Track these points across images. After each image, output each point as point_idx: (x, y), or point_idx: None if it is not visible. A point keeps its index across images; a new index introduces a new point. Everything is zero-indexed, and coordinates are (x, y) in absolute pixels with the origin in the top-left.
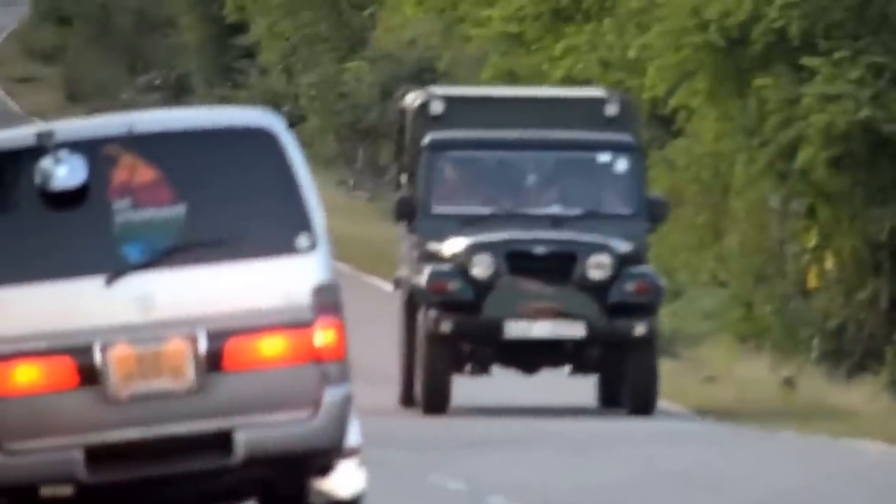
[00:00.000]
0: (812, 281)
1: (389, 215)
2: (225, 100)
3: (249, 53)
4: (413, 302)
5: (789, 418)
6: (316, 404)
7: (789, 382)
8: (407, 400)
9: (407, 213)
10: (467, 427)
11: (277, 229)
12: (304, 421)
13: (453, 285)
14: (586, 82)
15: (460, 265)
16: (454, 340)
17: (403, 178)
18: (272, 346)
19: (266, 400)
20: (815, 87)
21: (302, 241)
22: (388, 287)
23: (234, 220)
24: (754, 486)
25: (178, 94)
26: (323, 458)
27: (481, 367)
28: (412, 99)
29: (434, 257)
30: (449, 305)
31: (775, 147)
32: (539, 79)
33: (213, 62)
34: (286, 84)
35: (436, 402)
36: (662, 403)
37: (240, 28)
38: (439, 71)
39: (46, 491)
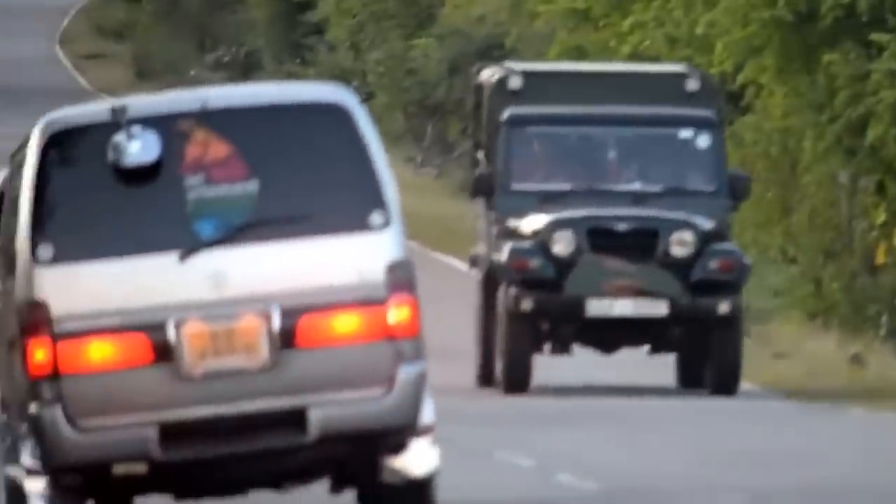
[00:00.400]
0: (880, 257)
1: (457, 191)
2: (293, 76)
3: (318, 30)
4: (491, 279)
5: (858, 395)
6: (390, 382)
7: (858, 359)
8: (485, 379)
9: (485, 189)
10: (540, 405)
11: (351, 206)
12: (377, 399)
13: (534, 262)
14: (654, 59)
15: (541, 242)
16: (535, 319)
17: (480, 155)
18: (346, 323)
19: (340, 377)
20: (883, 63)
21: (375, 217)
22: (456, 264)
23: (307, 196)
24: (823, 464)
25: (247, 70)
26: (397, 436)
27: (562, 346)
28: (489, 74)
29: (514, 234)
30: (530, 283)
31: (844, 123)
32: (606, 55)
33: (281, 39)
34: (354, 61)
35: (517, 381)
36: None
37: (308, 5)
38: (507, 47)
39: (119, 469)
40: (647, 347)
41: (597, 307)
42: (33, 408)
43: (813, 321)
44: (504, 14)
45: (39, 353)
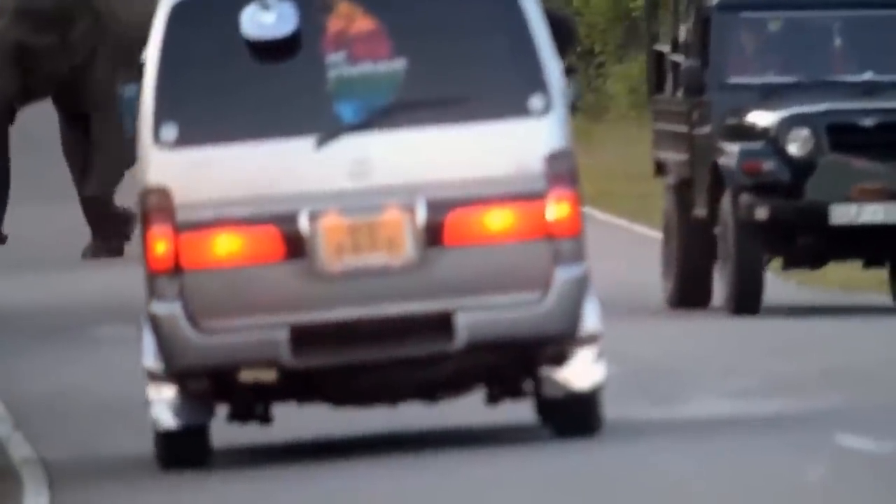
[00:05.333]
0: None
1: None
2: None
3: None
4: (686, 186)
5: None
6: (546, 285)
7: None
8: (679, 299)
9: (694, 84)
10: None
11: (508, 88)
12: (532, 303)
13: (768, 165)
14: None
15: (774, 142)
16: (771, 228)
17: (664, 48)
18: (499, 219)
19: (491, 279)
20: None
21: (535, 101)
22: None
23: (459, 76)
24: (844, 351)
25: None
26: (554, 344)
27: (798, 260)
28: None
29: (737, 134)
30: (764, 188)
31: None
32: None
33: None
34: None
35: (748, 299)
36: None
37: None
38: None
39: (247, 375)
40: (861, 262)
41: (842, 214)
42: (153, 305)
43: None
44: None
45: (160, 245)
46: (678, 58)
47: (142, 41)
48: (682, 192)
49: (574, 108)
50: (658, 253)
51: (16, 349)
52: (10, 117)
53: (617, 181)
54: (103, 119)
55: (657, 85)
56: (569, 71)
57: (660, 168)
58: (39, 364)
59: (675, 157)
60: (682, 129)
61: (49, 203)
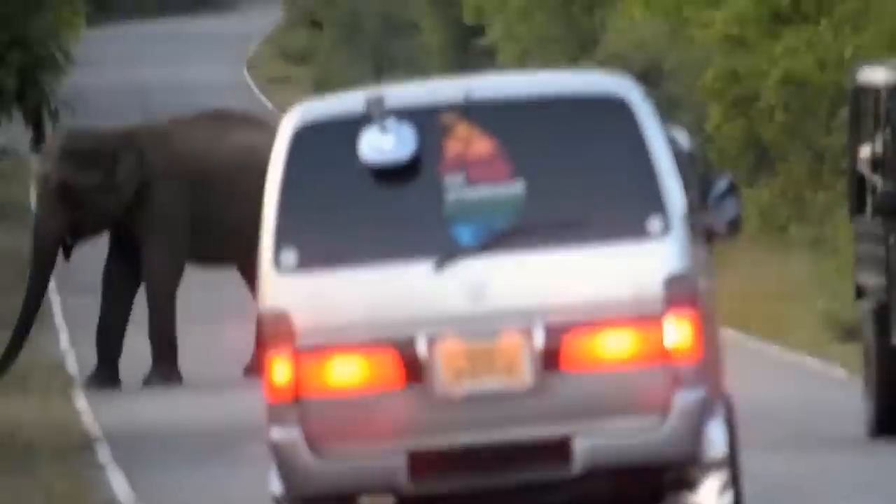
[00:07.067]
0: None
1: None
2: None
3: (488, 53)
4: (884, 311)
5: None
6: (665, 410)
7: None
8: (880, 428)
9: (891, 208)
10: None
11: (626, 210)
12: (651, 428)
13: None
14: (803, 82)
15: None
16: None
17: (863, 168)
18: (617, 343)
19: (609, 403)
20: None
21: (654, 224)
22: None
23: (578, 199)
24: None
25: None
26: (675, 470)
27: None
28: (882, 76)
29: None
30: None
31: None
32: (759, 79)
33: (453, 63)
34: None
35: None
36: None
37: (479, 31)
38: (665, 71)
39: (364, 501)
40: None
41: None
42: (273, 431)
43: None
44: (663, 40)
45: (279, 370)
46: (877, 180)
47: (211, 169)
48: (881, 317)
49: (735, 227)
50: (798, 376)
51: (173, 466)
52: (66, 253)
53: (750, 302)
54: (157, 243)
55: (859, 206)
56: (731, 188)
57: (860, 291)
58: (196, 481)
59: (873, 280)
60: (881, 252)
61: (205, 323)
